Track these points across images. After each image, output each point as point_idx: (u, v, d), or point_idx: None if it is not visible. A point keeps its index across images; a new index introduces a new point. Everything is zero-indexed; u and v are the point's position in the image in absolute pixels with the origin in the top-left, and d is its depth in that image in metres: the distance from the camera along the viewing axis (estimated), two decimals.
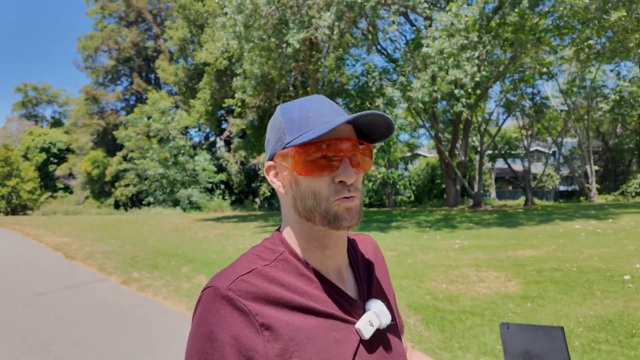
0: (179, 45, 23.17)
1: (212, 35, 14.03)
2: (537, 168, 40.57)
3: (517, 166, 40.86)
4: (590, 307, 4.67)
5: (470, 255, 7.70)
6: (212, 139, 37.04)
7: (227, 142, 34.64)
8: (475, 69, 10.10)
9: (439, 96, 10.36)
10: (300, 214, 0.74)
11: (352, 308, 0.75)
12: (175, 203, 28.07)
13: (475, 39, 11.29)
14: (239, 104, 16.18)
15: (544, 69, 17.82)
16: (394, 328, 0.82)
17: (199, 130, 35.32)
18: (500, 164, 37.85)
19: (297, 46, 10.43)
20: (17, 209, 28.38)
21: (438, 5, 13.42)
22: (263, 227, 14.81)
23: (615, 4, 10.11)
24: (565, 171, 37.48)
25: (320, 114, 0.72)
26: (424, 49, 10.17)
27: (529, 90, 21.37)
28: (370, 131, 0.77)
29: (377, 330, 0.75)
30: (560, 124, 26.44)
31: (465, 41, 9.87)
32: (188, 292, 6.09)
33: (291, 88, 14.97)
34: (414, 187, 29.94)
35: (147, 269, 7.81)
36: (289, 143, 0.72)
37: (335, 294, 0.74)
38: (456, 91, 12.43)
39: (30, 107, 47.93)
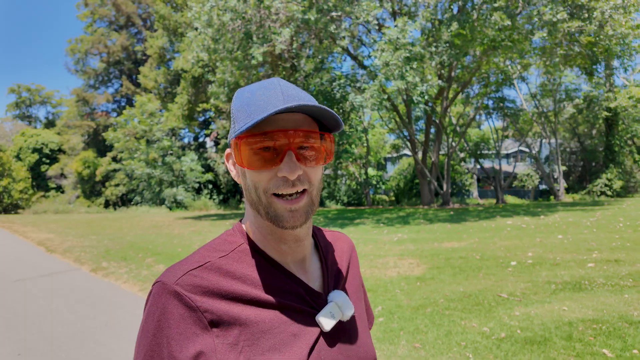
0: (158, 53, 24.35)
1: (189, 44, 15.09)
2: (518, 168, 41.85)
3: (504, 166, 42.40)
4: (465, 285, 5.68)
5: (402, 246, 8.72)
6: (201, 139, 37.99)
7: (217, 143, 35.61)
8: (418, 79, 11.16)
9: (387, 105, 11.37)
10: (252, 206, 0.72)
11: (313, 299, 0.73)
12: (162, 202, 29.08)
13: (431, 50, 12.32)
14: (213, 109, 17.23)
15: (511, 74, 18.96)
16: (359, 320, 0.80)
17: (188, 131, 36.24)
18: (485, 164, 38.94)
19: (260, 59, 11.48)
20: (8, 207, 29.30)
21: (391, 19, 14.49)
22: (234, 224, 15.79)
23: (539, 25, 11.20)
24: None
25: (266, 101, 0.66)
26: (375, 61, 11.23)
27: (497, 94, 22.40)
28: (324, 122, 0.72)
29: (340, 322, 0.73)
30: (534, 126, 27.57)
31: (408, 54, 10.93)
32: (144, 278, 7.08)
33: None
34: (394, 187, 30.93)
35: (116, 260, 8.78)
36: (236, 132, 0.68)
37: (296, 285, 0.72)
38: (415, 98, 13.46)
39: (23, 108, 48.63)
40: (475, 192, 38.60)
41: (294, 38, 11.45)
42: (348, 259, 0.88)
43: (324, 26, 11.11)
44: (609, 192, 23.67)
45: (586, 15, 10.85)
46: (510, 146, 42.66)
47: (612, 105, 22.38)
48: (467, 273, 6.28)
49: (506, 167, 42.77)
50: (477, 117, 31.98)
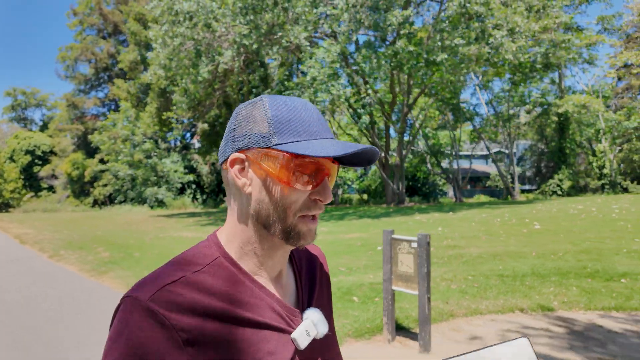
0: (129, 66, 26.31)
1: (153, 59, 16.90)
2: (492, 168, 43.73)
3: (482, 166, 44.49)
4: (337, 263, 7.32)
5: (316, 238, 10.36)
6: (187, 141, 39.67)
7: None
8: (341, 92, 12.93)
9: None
10: (258, 220, 0.69)
11: (289, 316, 0.72)
12: (144, 201, 30.89)
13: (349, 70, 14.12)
14: (176, 116, 19.00)
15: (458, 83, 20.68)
16: (331, 338, 0.80)
17: (174, 133, 37.88)
18: (462, 164, 40.60)
19: (206, 77, 13.26)
20: (0, 206, 31.08)
21: (321, 40, 16.36)
22: (198, 221, 17.47)
23: (442, 49, 12.94)
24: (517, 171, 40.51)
25: (312, 125, 0.69)
26: (306, 76, 12.96)
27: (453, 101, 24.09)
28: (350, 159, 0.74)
29: (314, 340, 0.73)
30: (497, 129, 29.27)
31: (332, 72, 12.67)
32: (87, 261, 8.74)
33: (215, 108, 17.87)
34: (366, 187, 32.63)
35: (73, 249, 10.44)
36: (277, 145, 0.66)
37: (272, 301, 0.71)
38: (360, 110, 15.20)
39: (19, 111, 50.29)
40: (450, 192, 40.30)
41: (236, 58, 13.20)
42: (320, 271, 0.87)
43: (257, 50, 12.85)
44: (559, 192, 25.33)
45: (486, 40, 12.60)
46: (485, 148, 44.39)
47: (560, 110, 24.07)
48: (338, 255, 7.93)
49: (482, 167, 44.66)
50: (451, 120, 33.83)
